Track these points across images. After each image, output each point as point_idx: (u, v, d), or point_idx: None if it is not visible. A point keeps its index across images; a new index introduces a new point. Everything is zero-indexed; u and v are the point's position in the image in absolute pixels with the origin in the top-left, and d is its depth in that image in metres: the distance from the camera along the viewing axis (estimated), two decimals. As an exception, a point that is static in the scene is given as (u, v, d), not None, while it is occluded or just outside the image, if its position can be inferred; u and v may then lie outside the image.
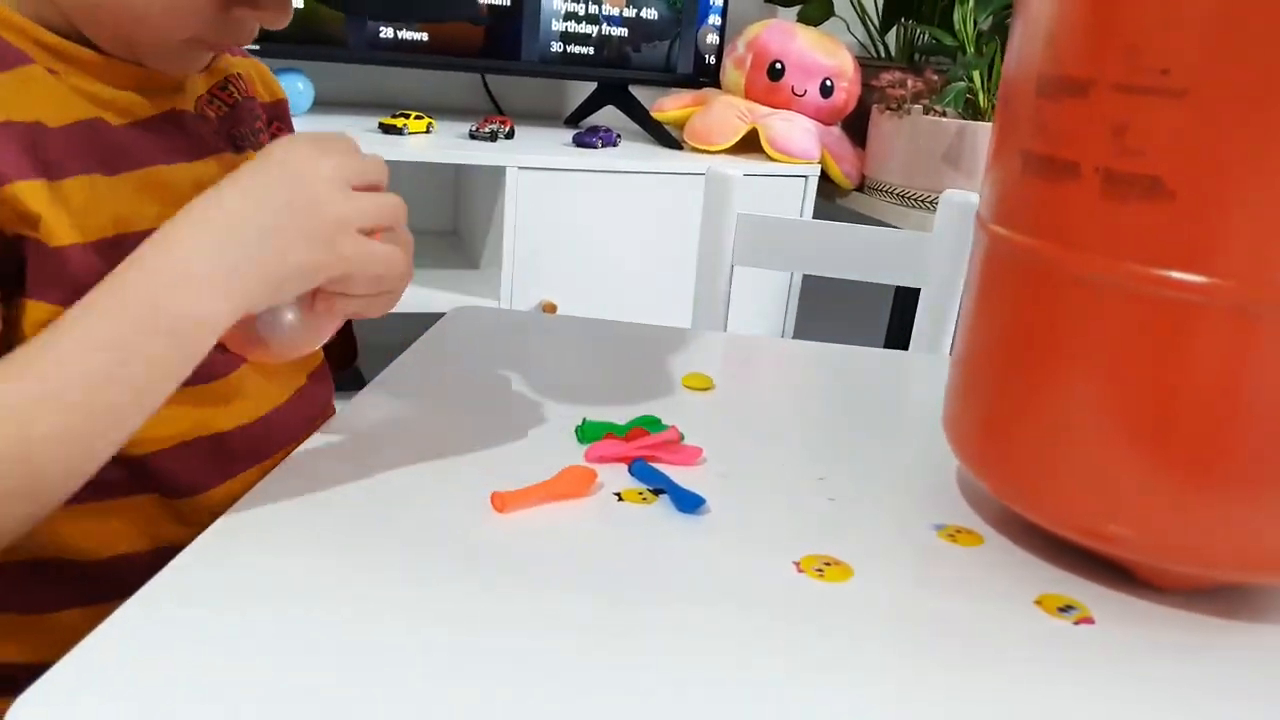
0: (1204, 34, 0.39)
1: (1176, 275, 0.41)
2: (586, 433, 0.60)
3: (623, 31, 1.63)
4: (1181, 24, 0.40)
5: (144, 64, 0.52)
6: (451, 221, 1.81)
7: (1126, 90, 0.41)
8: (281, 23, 0.52)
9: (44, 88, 0.48)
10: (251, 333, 0.48)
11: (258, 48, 0.69)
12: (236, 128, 0.59)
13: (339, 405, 0.62)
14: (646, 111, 1.69)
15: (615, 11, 1.61)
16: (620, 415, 0.62)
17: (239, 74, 0.61)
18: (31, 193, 0.46)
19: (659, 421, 0.61)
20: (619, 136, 1.62)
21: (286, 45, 1.43)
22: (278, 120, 0.65)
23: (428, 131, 1.48)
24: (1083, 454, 0.46)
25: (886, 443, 0.64)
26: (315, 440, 0.56)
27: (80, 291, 0.43)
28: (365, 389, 0.64)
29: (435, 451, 0.56)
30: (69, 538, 0.51)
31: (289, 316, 0.48)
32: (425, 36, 1.52)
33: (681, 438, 0.60)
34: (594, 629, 0.41)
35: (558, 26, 1.59)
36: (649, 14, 1.63)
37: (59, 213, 0.47)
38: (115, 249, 0.47)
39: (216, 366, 0.54)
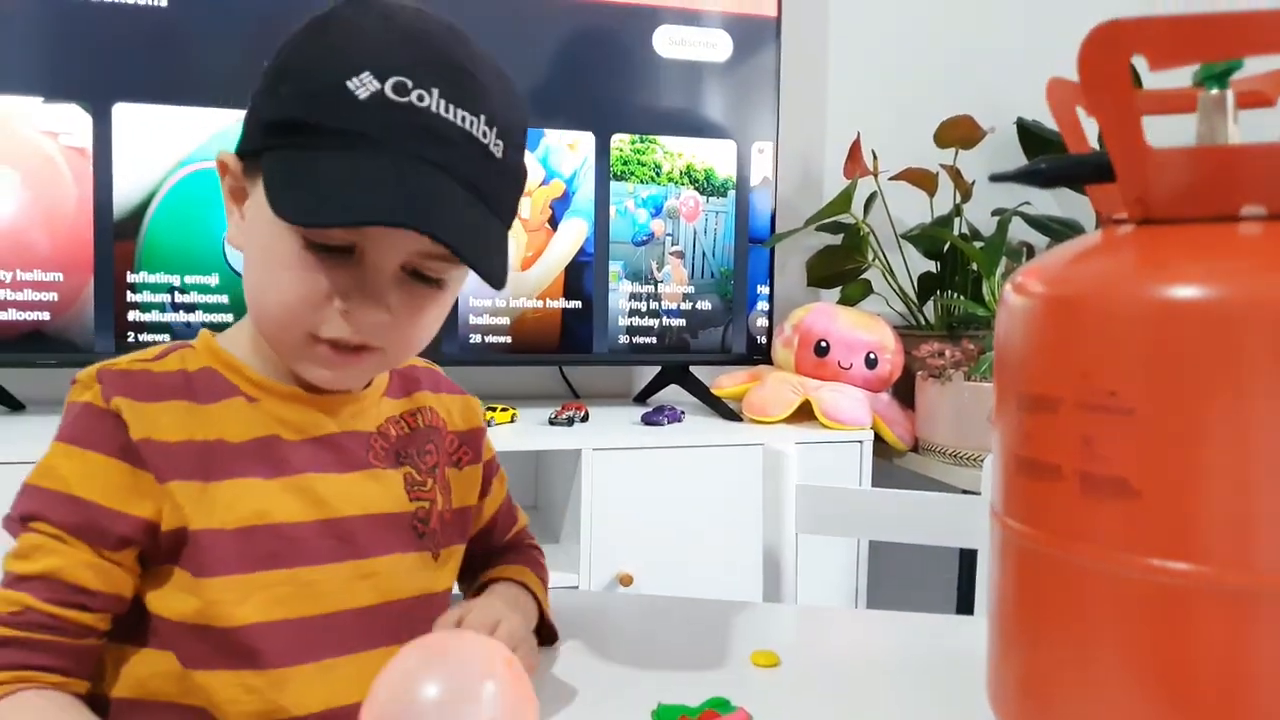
0: (1139, 362, 0.49)
1: (1158, 563, 0.48)
2: (662, 716, 0.66)
3: (681, 321, 1.80)
4: (1119, 354, 0.50)
5: (302, 376, 0.65)
6: (533, 498, 1.93)
7: (1086, 408, 0.50)
8: (365, 327, 0.61)
9: (238, 413, 0.64)
10: None
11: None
12: (406, 448, 0.71)
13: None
14: (707, 388, 1.83)
15: (674, 305, 1.80)
16: (693, 696, 0.68)
17: (431, 407, 0.74)
18: (184, 490, 0.61)
19: (729, 703, 0.67)
20: (683, 413, 1.75)
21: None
22: (466, 446, 0.76)
23: (512, 421, 1.63)
24: (1110, 721, 0.51)
25: (948, 713, 0.69)
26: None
27: (208, 564, 0.60)
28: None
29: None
30: None
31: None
32: (509, 339, 1.71)
33: (750, 718, 0.66)
34: None
35: (624, 321, 1.77)
36: (703, 305, 1.81)
37: (199, 509, 0.61)
38: (249, 535, 0.62)
39: None
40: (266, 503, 0.63)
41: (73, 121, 1.52)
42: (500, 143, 0.61)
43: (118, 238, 1.55)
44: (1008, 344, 0.57)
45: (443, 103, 0.58)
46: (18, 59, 1.51)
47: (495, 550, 0.84)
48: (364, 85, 0.57)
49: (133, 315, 1.57)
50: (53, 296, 1.53)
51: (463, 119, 0.59)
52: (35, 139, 1.52)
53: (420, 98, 0.58)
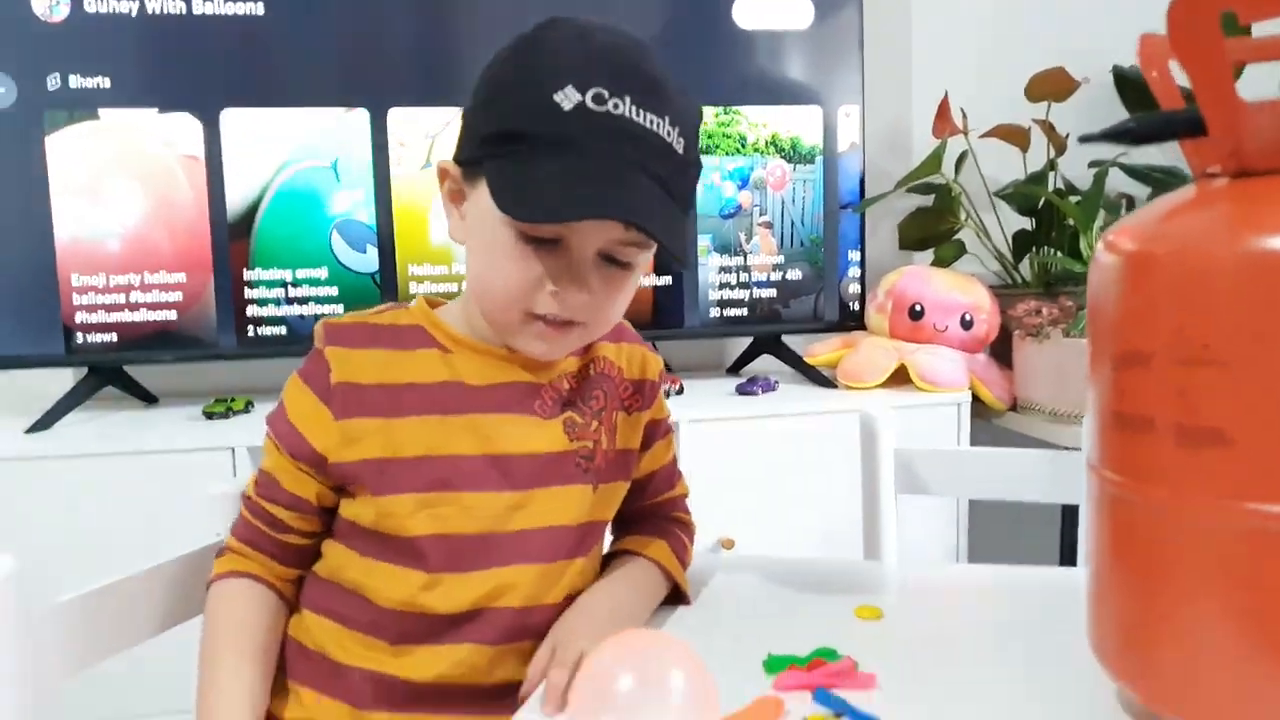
0: (1232, 314, 0.50)
1: (1254, 507, 0.49)
2: (772, 665, 0.69)
3: (772, 291, 1.82)
4: (1213, 307, 0.50)
5: (512, 348, 0.76)
6: (631, 471, 1.98)
7: (1180, 362, 0.51)
8: (571, 306, 0.71)
9: (427, 361, 0.76)
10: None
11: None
12: (573, 397, 0.79)
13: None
14: (800, 357, 1.85)
15: (764, 276, 1.81)
16: (800, 647, 0.71)
17: (605, 357, 0.82)
18: (362, 427, 0.73)
19: (835, 652, 0.70)
20: (777, 382, 1.77)
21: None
22: (638, 394, 0.83)
23: (608, 397, 1.68)
24: (1210, 664, 0.52)
25: (1051, 661, 0.70)
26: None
27: (385, 485, 0.73)
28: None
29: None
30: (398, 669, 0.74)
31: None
32: (601, 318, 1.75)
33: (856, 666, 0.69)
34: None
35: (715, 295, 1.80)
36: (794, 274, 1.83)
37: (380, 440, 0.73)
38: (418, 464, 0.73)
39: None
40: (441, 437, 0.74)
41: (185, 130, 1.62)
42: (682, 140, 0.70)
43: (233, 238, 1.65)
44: (1101, 301, 0.58)
45: (634, 108, 0.67)
46: (134, 76, 1.60)
47: (642, 511, 0.88)
48: (568, 98, 0.66)
49: (251, 310, 1.66)
50: (178, 296, 1.64)
51: (651, 121, 0.68)
52: (153, 149, 1.62)
53: (615, 105, 0.67)
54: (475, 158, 0.71)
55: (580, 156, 0.67)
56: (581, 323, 0.73)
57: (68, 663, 0.72)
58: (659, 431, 0.86)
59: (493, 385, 0.76)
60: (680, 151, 0.70)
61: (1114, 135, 0.59)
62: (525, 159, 0.67)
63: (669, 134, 0.69)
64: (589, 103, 0.66)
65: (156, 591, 0.80)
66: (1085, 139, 0.62)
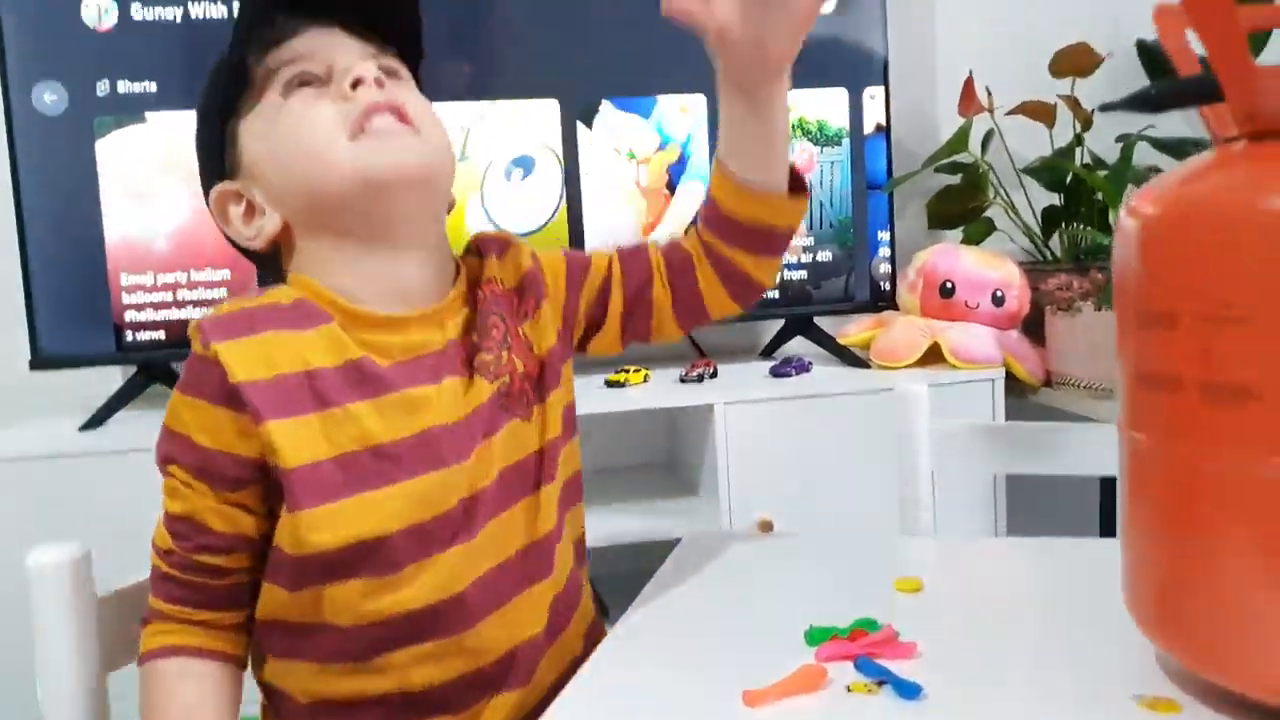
0: (1251, 271, 0.51)
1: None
2: (814, 636, 0.71)
3: (803, 274, 1.83)
4: (1233, 266, 0.52)
5: (379, 173, 0.71)
6: (666, 454, 2.00)
7: (1204, 320, 0.53)
8: (377, 95, 0.72)
9: (332, 339, 0.70)
10: None
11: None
12: (479, 339, 0.75)
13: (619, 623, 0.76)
14: (832, 338, 1.86)
15: (794, 258, 1.83)
16: (841, 618, 0.72)
17: (490, 277, 0.78)
18: (278, 429, 0.66)
19: (876, 622, 0.72)
20: (811, 363, 1.78)
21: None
22: (526, 294, 0.79)
23: (645, 381, 1.71)
24: (1243, 621, 0.53)
25: (1090, 626, 0.71)
26: (599, 654, 0.71)
27: (304, 496, 0.66)
28: (631, 609, 0.78)
29: (694, 660, 0.69)
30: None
31: None
32: (635, 305, 1.77)
33: (897, 635, 0.70)
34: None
35: (745, 278, 1.81)
36: (824, 256, 1.84)
37: (301, 440, 0.66)
38: (354, 461, 0.68)
39: None
40: (370, 423, 0.69)
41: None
42: None
43: (274, 236, 1.68)
44: (1125, 266, 0.60)
45: None
46: (179, 80, 1.63)
47: (654, 265, 0.85)
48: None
49: (293, 306, 1.70)
50: (222, 293, 1.68)
51: None
52: (196, 151, 1.65)
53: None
54: (225, 125, 0.75)
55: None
56: (408, 123, 0.72)
57: (128, 647, 0.74)
58: (579, 262, 0.83)
59: (403, 363, 0.72)
60: None
61: (1134, 102, 0.61)
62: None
63: None
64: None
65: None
66: (1105, 107, 0.63)
